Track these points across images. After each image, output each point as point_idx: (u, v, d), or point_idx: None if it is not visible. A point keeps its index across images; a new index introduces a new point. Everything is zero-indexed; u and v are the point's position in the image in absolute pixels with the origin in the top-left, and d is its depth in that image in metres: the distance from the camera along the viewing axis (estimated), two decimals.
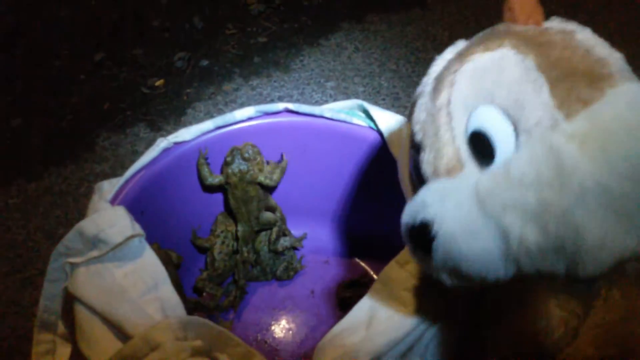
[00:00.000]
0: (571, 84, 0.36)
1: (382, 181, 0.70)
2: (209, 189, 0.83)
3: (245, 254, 0.84)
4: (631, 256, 0.34)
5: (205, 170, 0.79)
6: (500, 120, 0.39)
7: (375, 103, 0.81)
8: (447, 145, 0.42)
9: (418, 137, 0.45)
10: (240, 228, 0.83)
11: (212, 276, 0.84)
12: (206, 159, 0.79)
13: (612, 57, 0.39)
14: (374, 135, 0.78)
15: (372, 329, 0.53)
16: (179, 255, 0.83)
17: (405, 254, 0.59)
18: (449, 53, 0.47)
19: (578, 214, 0.34)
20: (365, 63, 1.36)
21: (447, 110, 0.42)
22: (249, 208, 0.82)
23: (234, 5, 1.53)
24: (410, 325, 0.53)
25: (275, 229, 0.85)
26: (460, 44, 0.47)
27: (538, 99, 0.37)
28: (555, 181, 0.34)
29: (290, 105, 0.81)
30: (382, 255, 0.68)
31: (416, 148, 0.46)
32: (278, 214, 0.86)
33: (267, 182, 0.81)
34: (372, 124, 0.79)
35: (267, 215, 0.84)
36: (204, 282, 0.84)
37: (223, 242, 0.85)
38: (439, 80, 0.44)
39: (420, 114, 0.45)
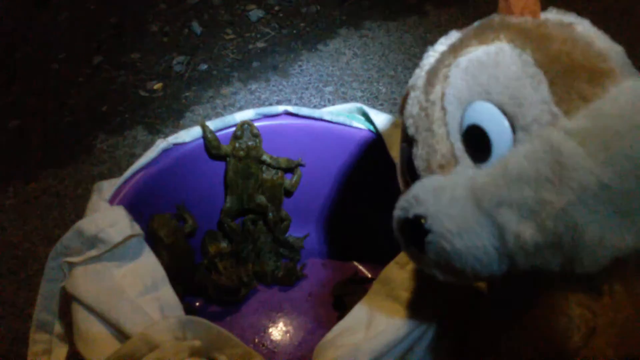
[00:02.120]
0: (571, 79, 0.36)
1: (382, 184, 0.70)
2: (214, 157, 0.82)
3: (232, 225, 0.85)
4: (629, 252, 0.34)
5: (214, 139, 0.79)
6: (497, 117, 0.38)
7: (374, 108, 0.81)
8: (441, 141, 0.41)
9: (410, 131, 0.44)
10: (227, 200, 0.83)
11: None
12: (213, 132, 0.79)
13: (612, 51, 0.38)
14: (373, 138, 0.78)
15: (372, 330, 0.53)
16: (194, 221, 0.83)
17: (404, 255, 0.59)
18: (442, 45, 0.46)
19: (577, 211, 0.33)
20: (364, 69, 1.37)
21: (441, 104, 0.41)
22: (246, 184, 0.82)
23: (232, 10, 1.54)
24: (410, 326, 0.52)
25: (271, 216, 0.85)
26: (453, 35, 0.47)
27: (536, 95, 0.36)
28: (554, 178, 0.34)
29: (290, 108, 0.81)
30: (380, 258, 0.68)
31: (408, 142, 0.45)
32: (285, 220, 0.88)
33: (271, 161, 0.82)
34: (371, 127, 0.79)
35: (262, 199, 0.84)
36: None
37: (222, 260, 0.85)
38: (432, 73, 0.44)
39: (412, 107, 0.45)
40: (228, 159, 0.81)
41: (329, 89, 1.30)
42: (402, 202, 0.42)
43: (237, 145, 0.80)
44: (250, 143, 0.80)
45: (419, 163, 0.43)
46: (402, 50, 1.42)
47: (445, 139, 0.41)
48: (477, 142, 0.39)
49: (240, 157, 0.80)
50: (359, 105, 0.82)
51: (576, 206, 0.33)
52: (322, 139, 0.82)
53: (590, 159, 0.33)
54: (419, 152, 0.43)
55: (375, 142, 0.78)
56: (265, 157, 0.82)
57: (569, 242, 0.34)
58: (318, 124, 0.81)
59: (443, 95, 0.41)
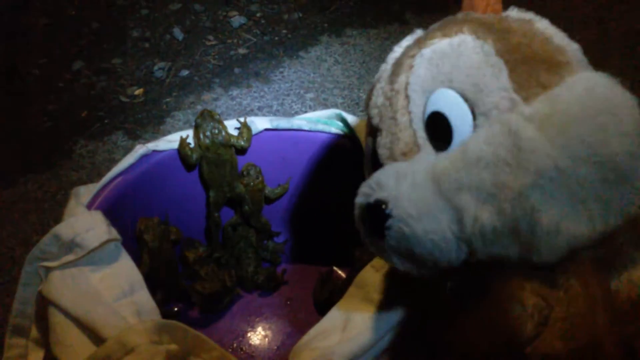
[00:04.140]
0: (530, 68, 0.37)
1: None
2: (193, 167, 0.82)
3: (217, 218, 0.84)
4: (585, 243, 0.35)
5: (186, 150, 0.79)
6: (459, 103, 0.39)
7: (354, 115, 0.82)
8: (404, 128, 0.42)
9: (375, 121, 0.45)
10: (212, 194, 0.83)
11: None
12: (188, 143, 0.79)
13: (570, 47, 0.40)
14: (351, 144, 0.79)
15: (347, 332, 0.54)
16: (179, 230, 0.83)
17: (379, 258, 0.60)
18: (407, 41, 0.48)
19: (534, 195, 0.34)
20: (345, 75, 1.38)
21: (405, 93, 0.42)
22: (222, 172, 0.81)
23: (214, 17, 1.54)
24: (384, 329, 0.53)
25: (247, 208, 0.85)
26: (418, 33, 0.48)
27: (497, 82, 0.38)
28: (512, 162, 0.34)
29: (268, 124, 0.82)
30: None
31: (373, 134, 0.46)
32: (265, 226, 0.88)
33: (241, 143, 0.81)
34: (350, 133, 0.80)
35: (241, 187, 0.83)
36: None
37: (202, 266, 0.85)
38: (397, 64, 0.45)
39: (377, 98, 0.46)
40: (200, 155, 0.81)
41: (310, 95, 1.31)
42: (364, 188, 0.42)
43: (200, 136, 0.79)
44: (214, 131, 0.79)
45: (382, 152, 0.44)
46: (383, 58, 1.41)
47: (408, 127, 0.42)
48: (439, 129, 0.40)
49: (207, 147, 0.79)
50: (337, 111, 0.83)
51: (533, 189, 0.34)
52: (302, 146, 0.82)
53: (547, 143, 0.34)
54: (382, 140, 0.44)
55: (354, 147, 0.78)
56: (233, 140, 0.80)
57: (526, 227, 0.35)
58: (298, 133, 0.82)
59: (407, 84, 0.42)
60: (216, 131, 0.79)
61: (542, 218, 0.34)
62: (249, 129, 0.81)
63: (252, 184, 0.83)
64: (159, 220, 0.79)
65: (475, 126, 0.38)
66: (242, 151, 0.83)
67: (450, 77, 0.40)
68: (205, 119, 0.79)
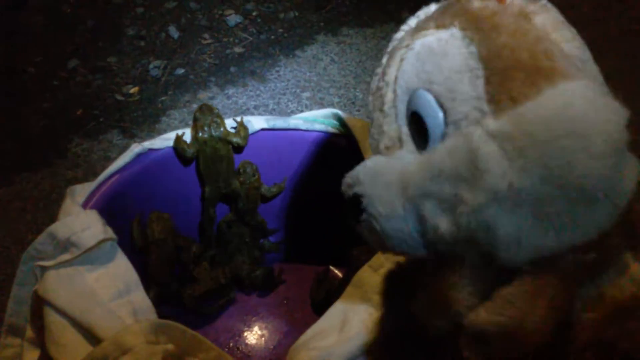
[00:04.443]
0: (506, 78, 0.34)
1: None
2: (189, 162, 0.82)
3: (212, 214, 0.84)
4: (553, 253, 0.34)
5: (183, 145, 0.79)
6: (433, 108, 0.38)
7: (350, 114, 0.82)
8: (390, 122, 0.42)
9: (369, 108, 0.45)
10: (207, 189, 0.82)
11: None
12: (185, 140, 0.79)
13: (566, 46, 0.36)
14: (348, 143, 0.79)
15: (345, 333, 0.54)
16: (190, 240, 0.84)
17: (378, 258, 0.59)
18: (414, 21, 0.45)
19: (489, 212, 0.33)
20: (341, 75, 1.37)
21: (394, 87, 0.41)
22: (218, 168, 0.81)
23: (210, 15, 1.54)
24: (382, 329, 0.53)
25: (242, 205, 0.85)
26: (424, 12, 0.45)
27: (472, 91, 0.36)
28: (469, 178, 0.33)
29: (265, 124, 0.81)
30: None
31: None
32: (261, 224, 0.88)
33: (237, 139, 0.80)
34: (346, 132, 0.80)
35: (237, 184, 0.83)
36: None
37: (195, 265, 0.85)
38: (391, 53, 0.43)
39: (374, 83, 0.45)
40: (198, 151, 0.80)
41: (306, 94, 1.31)
42: (347, 178, 0.43)
43: (198, 130, 0.79)
44: (212, 125, 0.79)
45: (371, 142, 0.44)
46: (379, 57, 1.41)
47: (393, 122, 0.42)
48: (420, 128, 0.39)
49: (205, 141, 0.79)
50: (334, 110, 0.83)
51: (489, 207, 0.33)
52: (297, 146, 0.82)
53: (506, 162, 0.32)
54: (371, 130, 0.44)
55: (350, 146, 0.78)
56: (230, 137, 0.80)
57: (483, 239, 0.34)
58: (294, 132, 0.82)
59: (396, 78, 0.41)
60: (215, 125, 0.79)
61: (499, 232, 0.33)
62: (245, 128, 0.81)
63: (248, 181, 0.83)
64: (170, 217, 0.81)
65: (444, 134, 0.37)
66: (238, 149, 0.82)
67: (431, 78, 0.38)
68: (204, 113, 0.79)
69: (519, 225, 0.33)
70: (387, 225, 0.39)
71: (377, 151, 0.43)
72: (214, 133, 0.79)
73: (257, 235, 0.88)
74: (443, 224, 0.36)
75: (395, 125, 0.42)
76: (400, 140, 0.41)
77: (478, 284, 0.38)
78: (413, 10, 0.46)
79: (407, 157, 0.40)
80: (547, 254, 0.34)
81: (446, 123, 0.37)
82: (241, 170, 0.83)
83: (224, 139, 0.80)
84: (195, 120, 0.80)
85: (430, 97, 0.38)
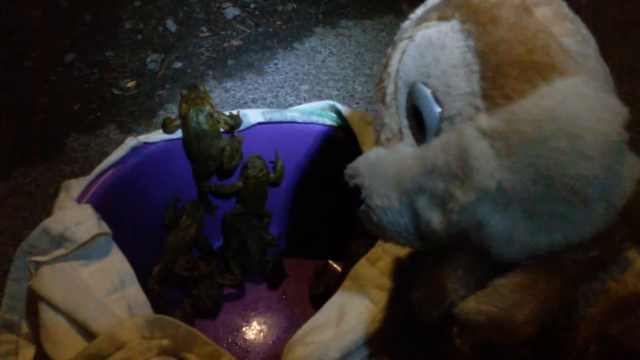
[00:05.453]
0: (502, 74, 0.33)
1: None
2: (170, 132, 0.80)
3: (204, 187, 0.84)
4: (547, 251, 0.33)
5: (166, 121, 0.78)
6: (431, 103, 0.37)
7: (349, 107, 0.81)
8: (392, 114, 0.41)
9: (375, 98, 0.45)
10: (196, 167, 0.82)
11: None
12: (169, 117, 0.79)
13: (566, 40, 0.34)
14: (345, 135, 0.78)
15: (342, 327, 0.53)
16: (206, 265, 0.83)
17: (375, 251, 0.59)
18: (421, 10, 0.44)
19: (479, 210, 0.33)
20: (340, 67, 1.36)
21: (395, 79, 0.41)
22: (202, 144, 0.78)
23: (208, 8, 1.53)
24: (379, 323, 0.52)
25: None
26: (431, 1, 0.43)
27: (467, 86, 0.35)
28: (460, 175, 0.33)
29: (261, 117, 0.81)
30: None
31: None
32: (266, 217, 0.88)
33: (224, 118, 0.79)
34: (343, 124, 0.79)
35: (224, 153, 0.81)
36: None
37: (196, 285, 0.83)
38: (395, 43, 0.43)
39: (378, 74, 0.44)
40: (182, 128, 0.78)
41: (305, 87, 1.30)
42: (349, 169, 0.43)
43: (181, 104, 0.78)
44: (197, 100, 0.78)
45: (374, 132, 0.44)
46: (378, 49, 1.42)
47: (394, 114, 0.41)
48: (419, 122, 0.39)
49: (186, 114, 0.77)
50: (331, 102, 0.82)
51: (479, 205, 0.33)
52: (295, 138, 0.82)
53: (495, 161, 0.32)
54: (374, 121, 0.44)
55: (348, 139, 0.78)
56: (216, 115, 0.78)
57: (474, 235, 0.34)
58: (291, 125, 0.81)
59: (397, 70, 0.41)
60: (199, 100, 0.78)
61: (490, 230, 0.33)
62: (237, 115, 0.80)
63: (258, 175, 0.82)
64: (204, 211, 0.84)
65: (440, 130, 0.37)
66: (231, 130, 0.81)
67: (429, 72, 0.38)
68: (190, 90, 0.79)
69: (510, 224, 0.33)
70: (384, 218, 0.39)
71: (378, 142, 0.43)
72: (195, 105, 0.77)
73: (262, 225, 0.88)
74: (435, 219, 0.36)
75: (396, 118, 0.41)
76: (400, 132, 0.41)
77: (473, 275, 0.38)
78: (412, 2, 0.45)
79: (406, 150, 0.40)
80: (540, 252, 0.33)
81: (442, 118, 0.37)
82: (250, 165, 0.82)
83: (208, 114, 0.78)
84: (181, 96, 0.79)
85: (427, 92, 0.37)
